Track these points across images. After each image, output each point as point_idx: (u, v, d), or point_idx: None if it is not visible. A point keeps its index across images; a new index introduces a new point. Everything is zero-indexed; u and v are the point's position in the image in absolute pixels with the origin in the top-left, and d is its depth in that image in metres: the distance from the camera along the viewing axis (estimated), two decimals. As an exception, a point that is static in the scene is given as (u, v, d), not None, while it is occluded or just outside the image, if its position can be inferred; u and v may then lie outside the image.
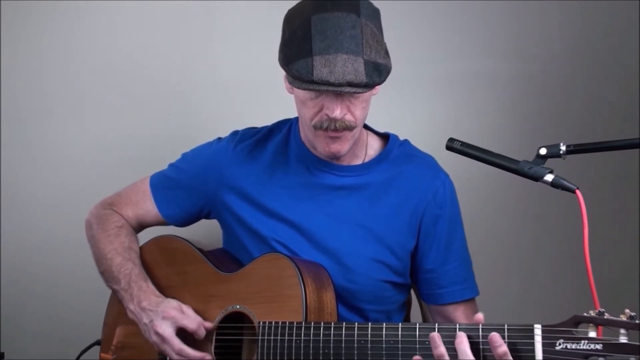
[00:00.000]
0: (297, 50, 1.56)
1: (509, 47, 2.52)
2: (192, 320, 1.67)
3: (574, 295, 2.19)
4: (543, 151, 1.51)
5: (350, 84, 1.53)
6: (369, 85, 1.56)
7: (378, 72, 1.56)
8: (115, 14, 2.61)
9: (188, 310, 1.70)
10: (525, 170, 1.52)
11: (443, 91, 2.55)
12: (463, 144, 1.62)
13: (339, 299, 1.69)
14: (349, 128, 1.63)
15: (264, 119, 1.92)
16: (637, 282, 2.36)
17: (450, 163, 1.85)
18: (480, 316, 1.45)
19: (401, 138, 1.86)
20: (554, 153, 1.51)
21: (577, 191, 1.45)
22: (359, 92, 1.56)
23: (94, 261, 1.87)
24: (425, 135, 2.10)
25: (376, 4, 1.67)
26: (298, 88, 1.59)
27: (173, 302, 1.71)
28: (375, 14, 1.64)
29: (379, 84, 1.59)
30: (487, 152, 1.60)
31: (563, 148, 1.50)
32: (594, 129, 2.45)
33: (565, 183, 1.47)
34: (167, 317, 1.67)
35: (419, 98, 2.56)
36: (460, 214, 1.81)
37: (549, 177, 1.49)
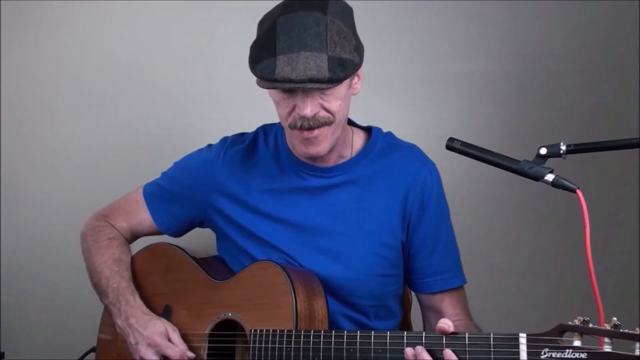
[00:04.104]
0: (262, 51, 1.58)
1: (509, 47, 2.52)
2: (176, 351, 1.67)
3: (574, 295, 2.19)
4: (543, 151, 1.51)
5: (312, 80, 1.53)
6: (333, 81, 1.55)
7: (343, 67, 1.56)
8: (115, 15, 2.61)
9: (174, 337, 1.70)
10: (526, 170, 1.52)
11: (443, 91, 2.55)
12: (463, 143, 1.61)
13: (338, 298, 1.70)
14: (326, 124, 1.63)
15: (263, 120, 1.92)
16: (637, 282, 2.36)
17: (450, 163, 1.85)
18: (443, 325, 1.44)
19: (401, 138, 1.86)
20: (554, 153, 1.50)
21: (578, 191, 1.44)
22: (322, 88, 1.56)
23: (88, 274, 1.88)
24: (425, 135, 2.10)
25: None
26: (263, 87, 1.61)
27: (160, 326, 1.70)
28: (345, 11, 1.65)
29: (344, 78, 1.58)
30: (488, 152, 1.59)
31: (563, 148, 1.49)
32: (594, 129, 2.45)
33: (566, 183, 1.47)
34: (152, 344, 1.67)
35: (419, 98, 2.56)
36: (447, 203, 1.81)
37: (550, 177, 1.48)
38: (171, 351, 1.67)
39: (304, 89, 1.57)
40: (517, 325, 2.33)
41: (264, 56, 1.56)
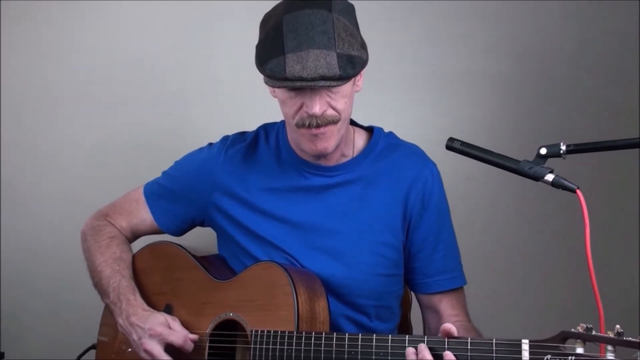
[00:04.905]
0: (270, 50, 1.58)
1: (509, 47, 2.52)
2: (178, 336, 1.68)
3: (574, 295, 2.19)
4: (543, 151, 1.51)
5: (323, 78, 1.53)
6: (343, 78, 1.56)
7: (352, 64, 1.56)
8: (115, 14, 2.61)
9: (175, 325, 1.71)
10: (526, 170, 1.52)
11: (443, 91, 2.55)
12: (463, 143, 1.61)
13: (339, 298, 1.70)
14: (333, 122, 1.63)
15: (264, 119, 1.92)
16: (637, 282, 2.36)
17: (450, 163, 1.84)
18: (448, 327, 1.45)
19: (402, 138, 1.86)
20: (554, 153, 1.50)
21: (578, 191, 1.44)
22: (333, 85, 1.56)
23: (89, 274, 1.88)
24: (425, 135, 2.10)
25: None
26: (273, 87, 1.61)
27: (160, 317, 1.71)
28: (348, 9, 1.65)
29: (354, 76, 1.59)
30: (488, 151, 1.59)
31: (563, 148, 1.49)
32: (594, 129, 2.45)
33: (566, 183, 1.47)
34: (154, 334, 1.68)
35: (419, 98, 2.57)
36: (447, 204, 1.81)
37: (550, 177, 1.48)
38: (173, 337, 1.68)
39: (314, 87, 1.57)
40: (516, 326, 2.35)
41: (273, 55, 1.56)
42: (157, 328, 1.68)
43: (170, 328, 1.69)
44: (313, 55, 1.53)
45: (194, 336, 1.69)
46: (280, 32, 1.57)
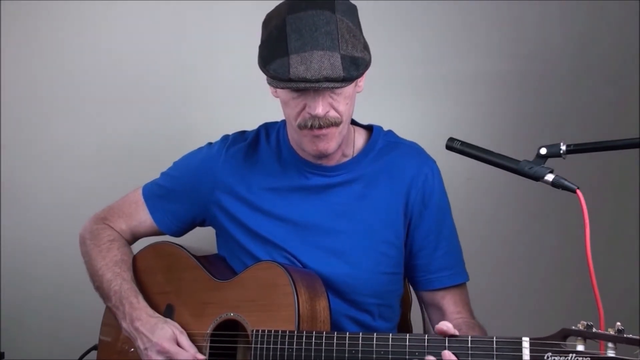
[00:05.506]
0: (274, 50, 1.57)
1: (509, 47, 2.52)
2: (186, 356, 1.67)
3: (574, 294, 2.19)
4: (543, 151, 1.51)
5: (327, 79, 1.53)
6: (347, 79, 1.56)
7: (356, 66, 1.56)
8: (115, 15, 2.61)
9: (183, 341, 1.69)
10: (526, 170, 1.52)
11: (443, 91, 2.55)
12: (463, 143, 1.61)
13: (341, 296, 1.70)
14: (335, 124, 1.64)
15: (263, 120, 1.92)
16: (637, 282, 2.36)
17: (450, 163, 1.85)
18: (443, 326, 1.44)
19: (402, 137, 1.86)
20: (554, 153, 1.50)
21: (578, 191, 1.44)
22: (337, 87, 1.56)
23: (89, 277, 1.87)
24: (426, 135, 2.10)
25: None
26: (276, 87, 1.61)
27: (167, 331, 1.69)
28: (351, 10, 1.65)
29: (357, 77, 1.59)
30: (488, 151, 1.60)
31: (563, 148, 1.49)
32: (594, 129, 2.45)
33: (566, 183, 1.47)
34: (162, 351, 1.67)
35: (419, 98, 2.57)
36: (448, 201, 1.82)
37: (550, 177, 1.49)
38: (181, 357, 1.67)
39: (318, 88, 1.57)
40: (516, 324, 2.34)
41: (276, 56, 1.56)
42: (165, 344, 1.67)
43: (178, 344, 1.68)
44: (317, 56, 1.53)
45: (202, 356, 1.68)
46: (284, 32, 1.57)
